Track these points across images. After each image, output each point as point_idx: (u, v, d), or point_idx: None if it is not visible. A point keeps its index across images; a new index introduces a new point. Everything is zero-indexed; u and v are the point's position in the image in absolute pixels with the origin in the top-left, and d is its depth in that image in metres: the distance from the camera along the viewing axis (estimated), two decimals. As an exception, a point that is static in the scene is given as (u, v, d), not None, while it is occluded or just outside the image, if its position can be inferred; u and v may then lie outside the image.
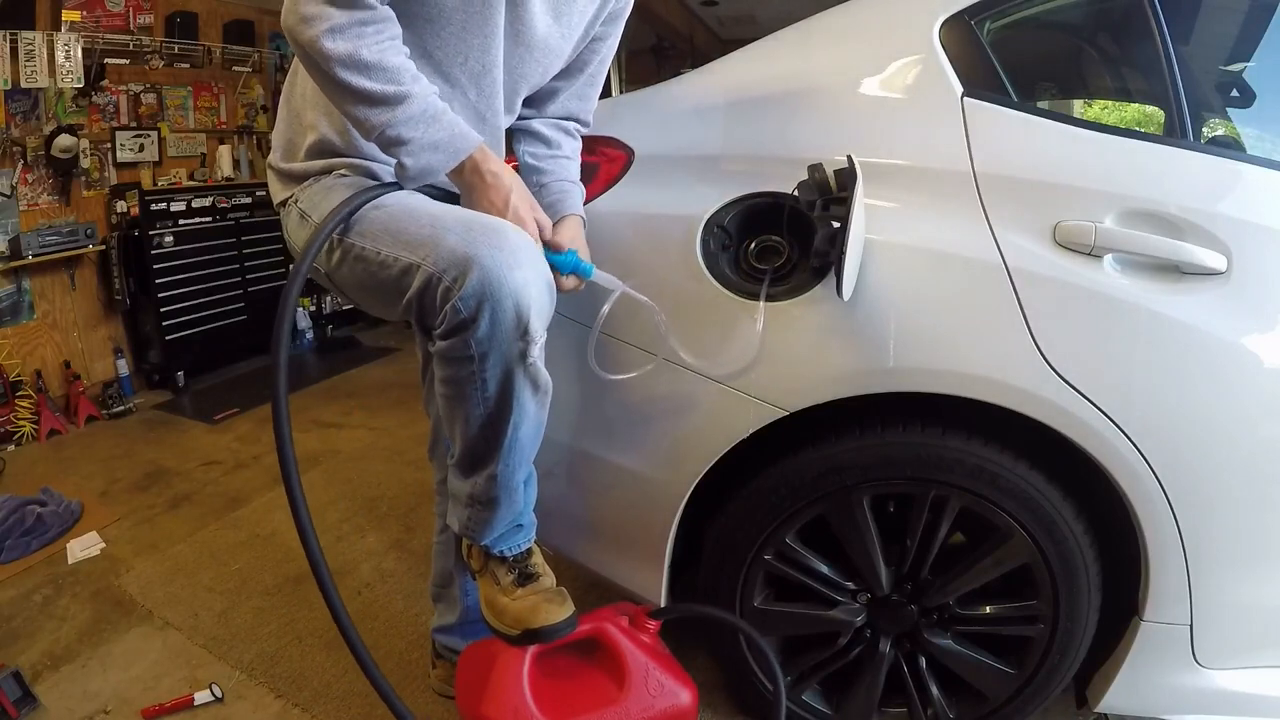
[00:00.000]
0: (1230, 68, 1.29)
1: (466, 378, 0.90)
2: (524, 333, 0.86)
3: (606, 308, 1.03)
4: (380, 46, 0.86)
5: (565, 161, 1.15)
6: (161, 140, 3.61)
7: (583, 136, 1.21)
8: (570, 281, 1.02)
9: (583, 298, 1.08)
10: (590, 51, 1.13)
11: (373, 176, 1.03)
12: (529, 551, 1.06)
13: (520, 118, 1.15)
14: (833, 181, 0.99)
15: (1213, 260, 0.96)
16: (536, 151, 1.14)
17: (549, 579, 1.06)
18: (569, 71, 1.13)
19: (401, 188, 0.98)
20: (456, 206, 0.98)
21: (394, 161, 0.94)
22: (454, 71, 0.99)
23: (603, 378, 1.08)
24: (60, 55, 2.99)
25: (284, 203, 1.10)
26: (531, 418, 0.95)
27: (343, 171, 1.04)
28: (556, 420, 1.20)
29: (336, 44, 0.85)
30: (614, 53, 1.17)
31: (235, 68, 3.90)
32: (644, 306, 1.03)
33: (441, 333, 0.88)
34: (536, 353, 0.89)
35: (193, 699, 1.48)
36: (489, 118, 1.05)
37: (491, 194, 0.95)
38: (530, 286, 0.86)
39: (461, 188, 0.97)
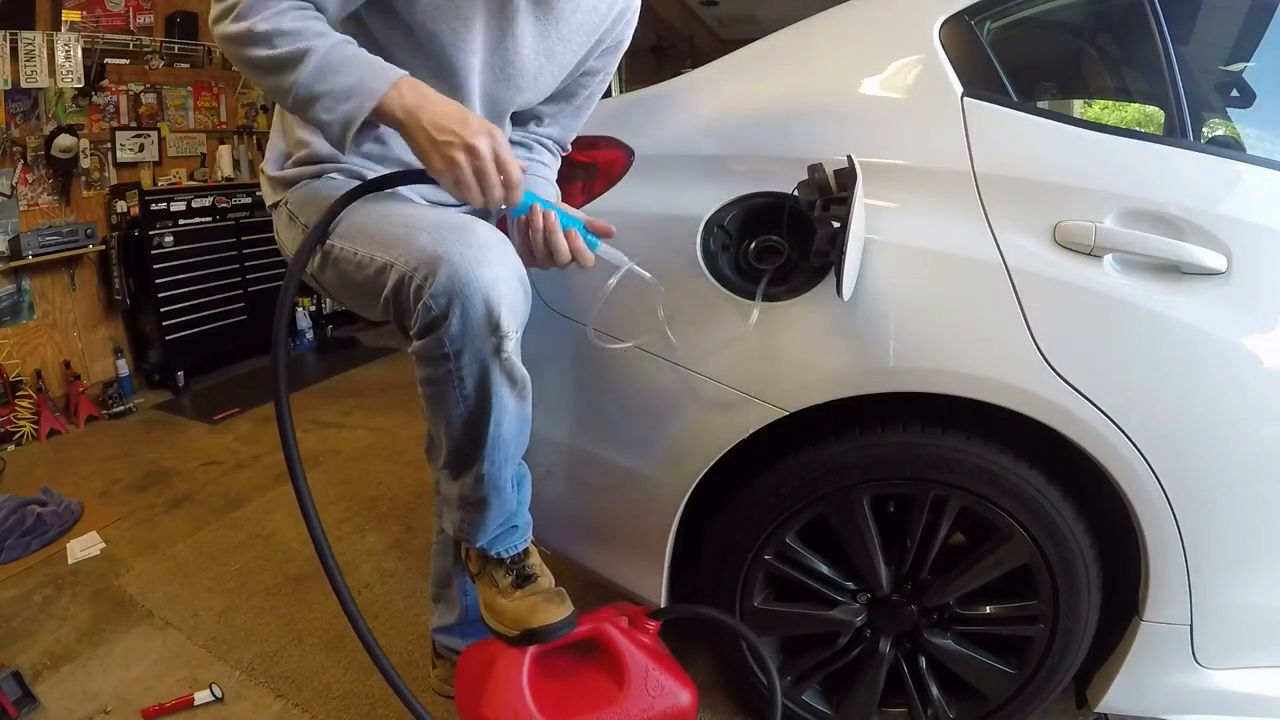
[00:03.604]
0: (1230, 68, 1.29)
1: (444, 376, 0.89)
2: (495, 328, 0.85)
3: (614, 280, 0.96)
4: (276, 15, 0.83)
5: (540, 166, 1.14)
6: (161, 140, 3.60)
7: (583, 137, 1.20)
8: (564, 257, 0.93)
9: (578, 293, 1.07)
10: (579, 85, 1.13)
11: (361, 180, 1.03)
12: (526, 552, 1.06)
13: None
14: (833, 181, 0.99)
15: (1213, 260, 0.96)
16: (515, 153, 1.13)
17: (547, 579, 1.06)
18: (555, 98, 1.12)
19: (382, 187, 0.97)
20: (437, 208, 0.97)
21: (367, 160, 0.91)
22: None
23: (600, 347, 1.07)
24: (60, 55, 2.98)
25: (275, 204, 1.10)
26: (512, 413, 0.94)
27: (332, 175, 1.04)
28: (555, 420, 1.21)
29: (235, 25, 0.84)
30: (605, 86, 1.16)
31: (235, 68, 3.90)
32: (648, 285, 0.96)
33: (416, 332, 0.87)
34: (511, 348, 0.88)
35: (193, 699, 1.48)
36: None
37: (437, 113, 0.84)
38: (500, 283, 0.85)
39: (406, 136, 0.86)
